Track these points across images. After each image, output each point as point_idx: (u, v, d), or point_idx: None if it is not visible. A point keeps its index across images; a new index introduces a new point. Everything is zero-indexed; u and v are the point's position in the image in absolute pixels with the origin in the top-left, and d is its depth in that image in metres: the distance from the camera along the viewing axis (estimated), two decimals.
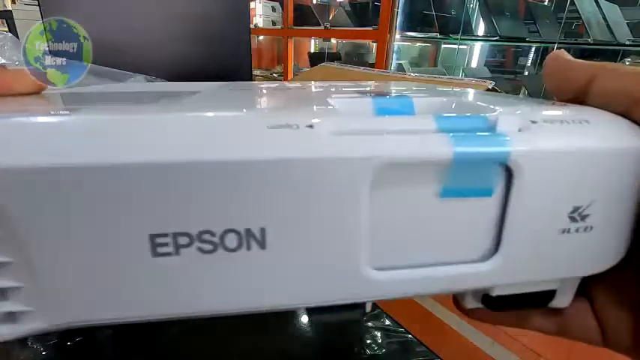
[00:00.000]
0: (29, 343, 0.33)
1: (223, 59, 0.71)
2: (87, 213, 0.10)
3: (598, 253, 0.13)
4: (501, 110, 0.13)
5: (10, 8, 1.63)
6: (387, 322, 0.40)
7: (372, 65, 1.71)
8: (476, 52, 1.92)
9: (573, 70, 0.15)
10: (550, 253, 0.13)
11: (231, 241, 0.11)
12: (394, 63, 1.63)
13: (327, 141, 0.11)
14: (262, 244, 0.11)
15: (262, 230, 0.11)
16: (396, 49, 1.59)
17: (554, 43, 1.31)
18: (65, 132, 0.10)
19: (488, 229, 0.13)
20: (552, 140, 0.12)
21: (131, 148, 0.10)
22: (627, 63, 1.35)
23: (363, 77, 0.65)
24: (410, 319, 0.42)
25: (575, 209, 0.12)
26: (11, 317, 0.11)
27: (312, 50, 2.38)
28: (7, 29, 1.43)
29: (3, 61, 0.80)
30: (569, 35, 1.39)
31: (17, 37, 1.01)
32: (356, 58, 2.24)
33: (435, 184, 0.12)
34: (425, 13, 1.66)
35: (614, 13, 1.31)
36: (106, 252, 0.11)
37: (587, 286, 0.16)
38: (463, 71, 1.77)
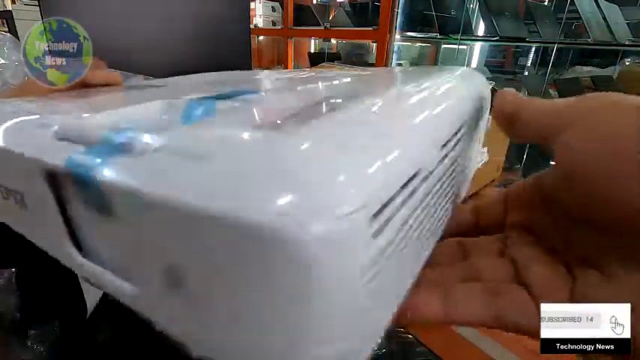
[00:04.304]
0: (29, 343, 0.33)
1: (223, 59, 0.71)
2: None
3: None
4: None
5: (10, 8, 1.63)
6: None
7: (371, 65, 1.71)
8: (476, 52, 1.92)
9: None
10: None
11: None
12: (394, 63, 1.63)
13: None
14: None
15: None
16: (396, 49, 1.59)
17: (554, 43, 1.30)
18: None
19: None
20: None
21: None
22: (627, 63, 1.35)
23: None
24: None
25: None
26: None
27: (312, 50, 2.38)
28: (7, 29, 1.43)
29: (2, 61, 0.80)
30: (569, 35, 1.39)
31: (17, 37, 1.01)
32: (356, 58, 2.24)
33: None
34: (425, 13, 1.65)
35: (614, 13, 1.30)
36: None
37: None
38: None
